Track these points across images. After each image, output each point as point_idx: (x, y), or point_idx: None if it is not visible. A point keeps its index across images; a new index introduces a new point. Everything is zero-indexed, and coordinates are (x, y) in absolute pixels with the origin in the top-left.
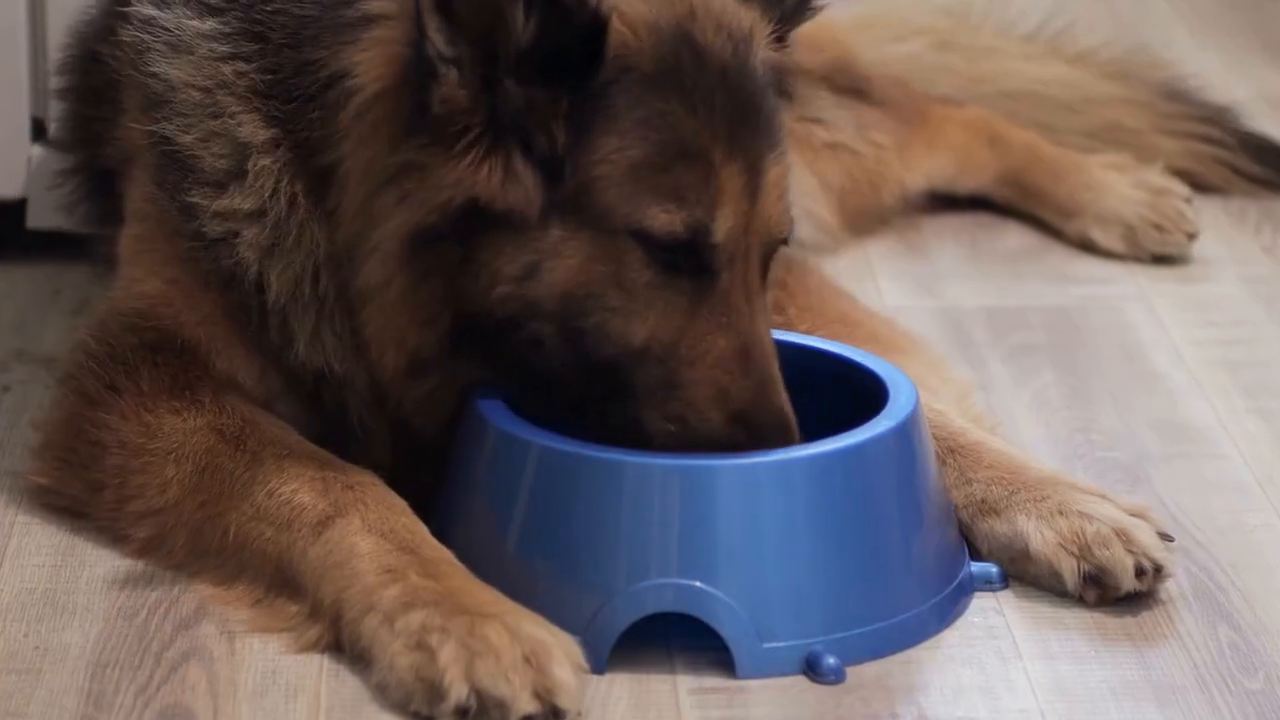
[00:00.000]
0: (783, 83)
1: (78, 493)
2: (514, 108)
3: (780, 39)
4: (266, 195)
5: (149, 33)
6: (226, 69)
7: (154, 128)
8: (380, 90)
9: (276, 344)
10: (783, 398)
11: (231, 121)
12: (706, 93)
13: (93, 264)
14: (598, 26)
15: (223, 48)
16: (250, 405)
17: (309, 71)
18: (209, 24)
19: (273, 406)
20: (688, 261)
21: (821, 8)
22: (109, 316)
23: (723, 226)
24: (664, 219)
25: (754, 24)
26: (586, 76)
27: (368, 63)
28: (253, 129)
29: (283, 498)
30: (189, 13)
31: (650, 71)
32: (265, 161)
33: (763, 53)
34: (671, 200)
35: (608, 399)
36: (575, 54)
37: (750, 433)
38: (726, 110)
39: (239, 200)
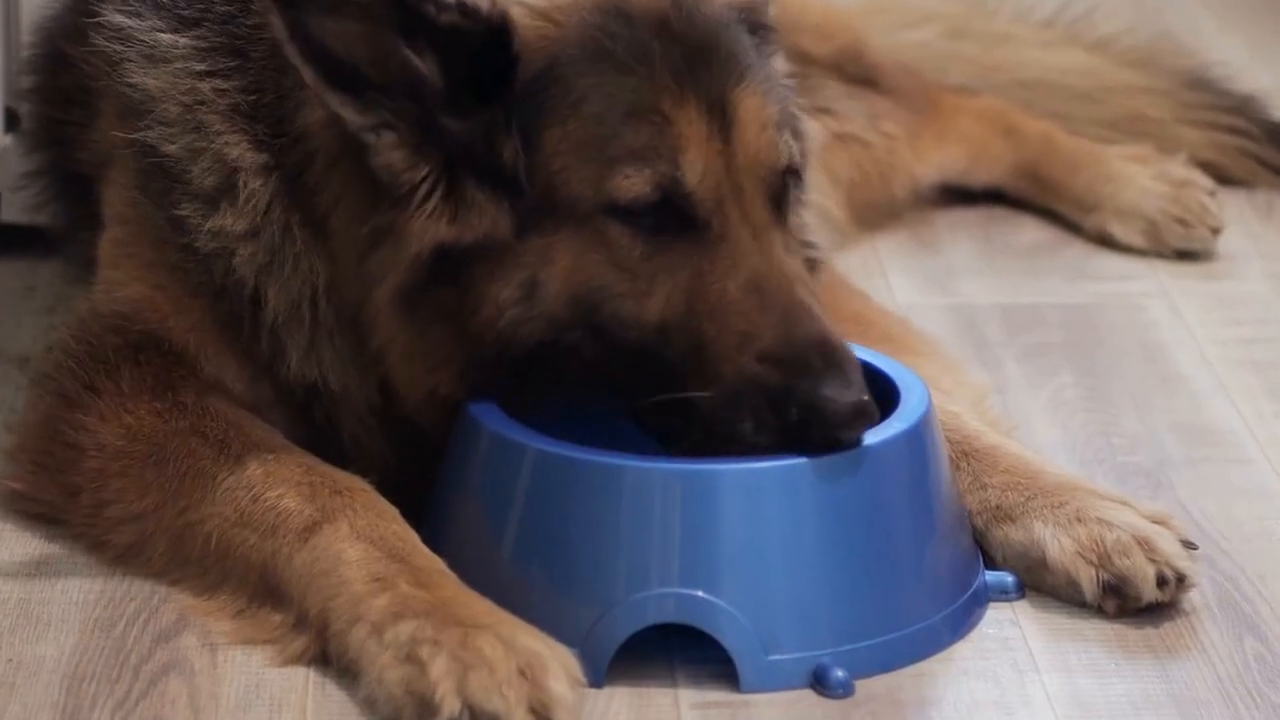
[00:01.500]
0: (752, 19)
1: (53, 498)
2: (459, 141)
3: None
4: (259, 217)
5: (121, 42)
6: (204, 86)
7: (136, 135)
8: (334, 154)
9: (267, 356)
10: (814, 320)
11: (218, 141)
12: (641, 48)
13: (66, 263)
14: (499, 31)
15: (199, 65)
16: (235, 408)
17: (287, 103)
18: (184, 39)
19: (262, 414)
20: (673, 220)
21: None
22: (89, 317)
23: (693, 172)
24: (627, 185)
25: None
26: (510, 82)
27: (318, 122)
28: (241, 150)
29: (268, 503)
30: (162, 24)
31: (576, 52)
32: (256, 185)
33: None
34: (630, 164)
35: (648, 383)
36: (492, 66)
37: (786, 369)
38: (670, 57)
39: (231, 220)
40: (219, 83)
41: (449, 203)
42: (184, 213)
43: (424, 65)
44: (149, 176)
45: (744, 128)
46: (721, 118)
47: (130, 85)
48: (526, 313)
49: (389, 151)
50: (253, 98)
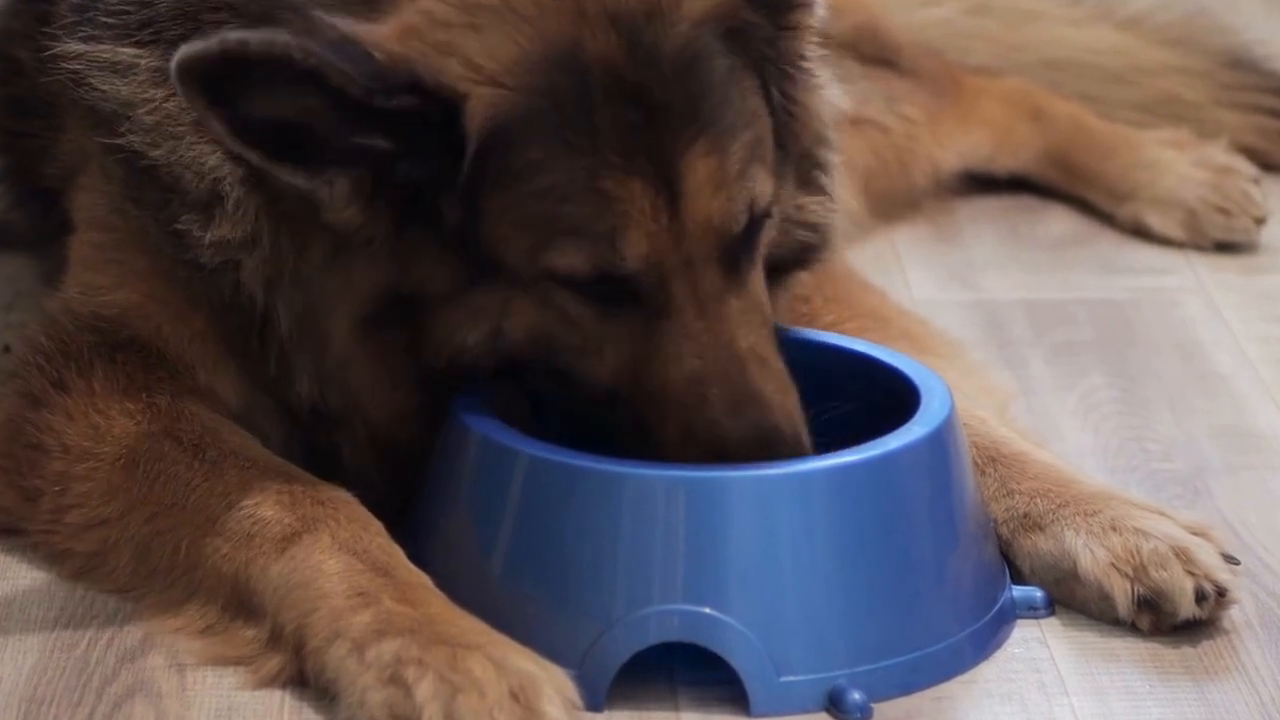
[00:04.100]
0: (733, 21)
1: (11, 503)
2: (409, 191)
3: None
4: (250, 225)
5: (81, 64)
6: (170, 105)
7: (120, 141)
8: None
9: (274, 374)
10: (764, 413)
11: (195, 150)
12: (588, 116)
13: (39, 268)
14: (454, 109)
15: (161, 88)
16: (213, 413)
17: None
18: (144, 59)
19: (254, 425)
20: (617, 292)
21: None
22: (63, 314)
23: (633, 253)
24: (563, 263)
25: None
26: (458, 154)
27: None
28: (217, 160)
29: (244, 511)
30: (118, 43)
31: (522, 121)
32: (240, 192)
33: (686, 9)
34: (568, 241)
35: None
36: (443, 137)
37: (734, 464)
38: (618, 127)
39: (228, 229)
40: (181, 100)
41: (400, 250)
42: (183, 226)
43: (373, 139)
44: (141, 187)
45: (694, 197)
46: (670, 188)
47: (100, 94)
48: (489, 348)
49: (342, 207)
50: None
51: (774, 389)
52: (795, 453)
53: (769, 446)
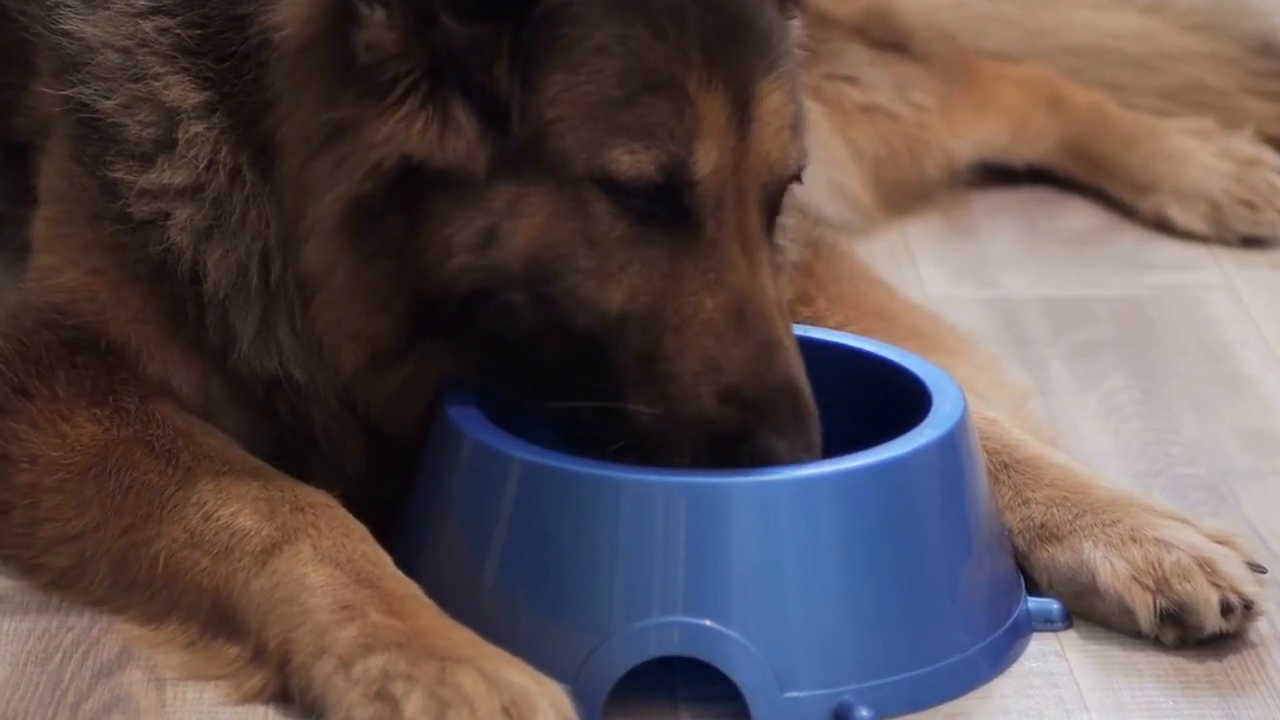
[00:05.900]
0: None
1: None
2: (453, 48)
3: None
4: (201, 168)
5: None
6: (147, 25)
7: (70, 93)
8: (307, 41)
9: (217, 344)
10: (790, 364)
11: (157, 84)
12: (677, 9)
13: (2, 250)
14: None
15: (142, 1)
16: (184, 414)
17: (241, 25)
18: None
19: (216, 418)
20: (665, 209)
21: None
22: (21, 311)
23: (704, 163)
24: (629, 161)
25: None
26: (530, 4)
27: (293, 9)
28: (181, 92)
29: (221, 521)
30: None
31: None
32: (198, 128)
33: None
34: (638, 138)
35: (590, 379)
36: None
37: (747, 412)
38: (704, 28)
39: (169, 174)
40: (163, 20)
41: (427, 112)
42: (117, 174)
43: None
44: (84, 141)
45: (762, 125)
46: (743, 111)
47: (66, 34)
48: (477, 261)
49: (382, 30)
50: (198, 31)
51: (794, 346)
52: (814, 412)
53: (795, 401)
